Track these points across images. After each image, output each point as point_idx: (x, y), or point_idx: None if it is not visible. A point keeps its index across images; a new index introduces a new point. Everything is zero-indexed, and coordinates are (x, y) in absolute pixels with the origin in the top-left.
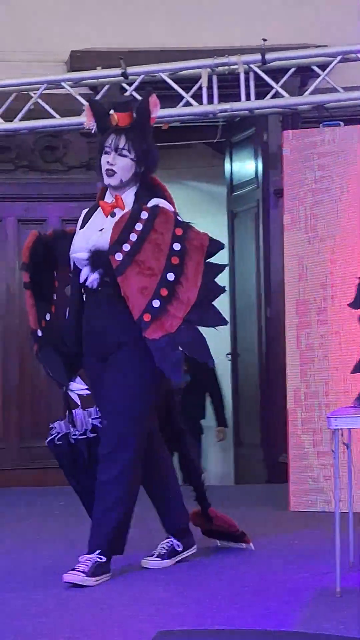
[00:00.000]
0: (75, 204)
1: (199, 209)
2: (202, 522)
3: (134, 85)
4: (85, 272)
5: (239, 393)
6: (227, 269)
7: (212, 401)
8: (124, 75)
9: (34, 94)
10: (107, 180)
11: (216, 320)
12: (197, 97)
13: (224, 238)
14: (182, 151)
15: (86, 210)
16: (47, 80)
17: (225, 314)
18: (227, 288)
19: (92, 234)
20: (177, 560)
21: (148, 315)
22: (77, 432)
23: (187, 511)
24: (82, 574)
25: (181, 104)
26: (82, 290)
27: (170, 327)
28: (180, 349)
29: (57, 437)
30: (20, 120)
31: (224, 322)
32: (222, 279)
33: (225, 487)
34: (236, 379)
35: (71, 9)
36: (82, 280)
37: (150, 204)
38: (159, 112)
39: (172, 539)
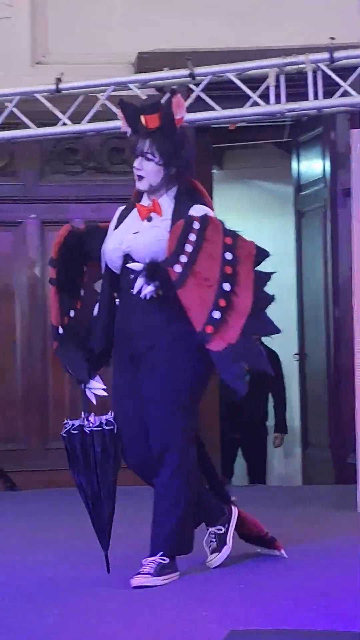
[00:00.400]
0: None
1: (266, 209)
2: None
3: (201, 86)
4: (139, 283)
5: (306, 393)
6: (294, 269)
7: (274, 404)
8: (191, 76)
9: (101, 96)
10: (137, 185)
11: (270, 329)
12: (265, 96)
13: (290, 238)
14: (249, 151)
15: (122, 208)
16: (115, 82)
17: (293, 314)
18: (294, 288)
19: (127, 236)
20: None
21: (210, 327)
22: (92, 424)
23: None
24: (148, 575)
25: (248, 103)
26: (114, 288)
27: (231, 338)
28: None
29: (72, 427)
30: (88, 122)
31: (277, 331)
32: (290, 278)
33: (292, 488)
34: (304, 380)
35: (138, 11)
36: (135, 291)
37: (192, 210)
38: (185, 112)
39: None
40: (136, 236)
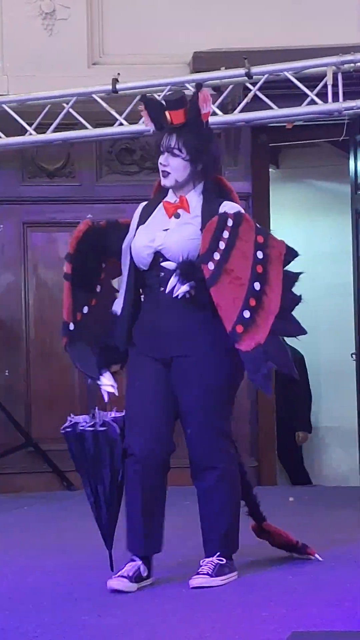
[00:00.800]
0: None
1: (323, 208)
2: (265, 536)
3: (258, 85)
4: (173, 281)
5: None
6: (351, 267)
7: (299, 403)
8: (248, 75)
9: (158, 95)
10: (162, 182)
11: (297, 329)
12: (322, 95)
13: (347, 237)
14: (306, 150)
15: (144, 204)
16: (171, 82)
17: (349, 313)
18: (351, 286)
19: (157, 233)
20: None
21: (240, 327)
22: (85, 424)
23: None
24: (207, 576)
25: (306, 102)
26: (140, 285)
27: (260, 338)
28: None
29: (67, 425)
30: (144, 122)
31: (304, 332)
32: (347, 277)
33: (351, 488)
34: None
35: (193, 11)
36: (168, 290)
37: (223, 207)
38: (211, 107)
39: None
40: (168, 233)
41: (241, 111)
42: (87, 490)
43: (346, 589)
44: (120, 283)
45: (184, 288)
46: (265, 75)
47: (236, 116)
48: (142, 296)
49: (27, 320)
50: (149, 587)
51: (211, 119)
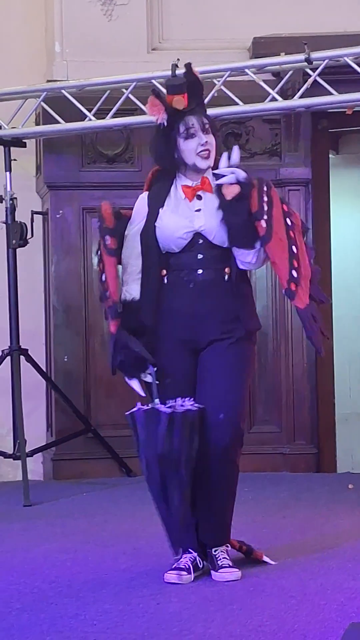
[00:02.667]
0: None
1: None
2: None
3: (318, 71)
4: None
5: None
6: None
7: None
8: (308, 60)
9: (218, 81)
10: (204, 164)
11: (324, 298)
12: None
13: None
14: None
15: (146, 195)
16: (231, 68)
17: None
18: None
19: (190, 215)
20: None
21: (294, 285)
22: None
23: None
24: (234, 569)
25: None
26: (164, 268)
27: (307, 299)
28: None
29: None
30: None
31: (328, 301)
32: None
33: None
34: None
35: None
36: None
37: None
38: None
39: None
40: (205, 215)
41: (301, 97)
42: (153, 478)
43: None
44: (124, 270)
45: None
46: (325, 61)
47: (296, 102)
48: (166, 279)
49: (86, 306)
50: (204, 576)
51: (271, 105)
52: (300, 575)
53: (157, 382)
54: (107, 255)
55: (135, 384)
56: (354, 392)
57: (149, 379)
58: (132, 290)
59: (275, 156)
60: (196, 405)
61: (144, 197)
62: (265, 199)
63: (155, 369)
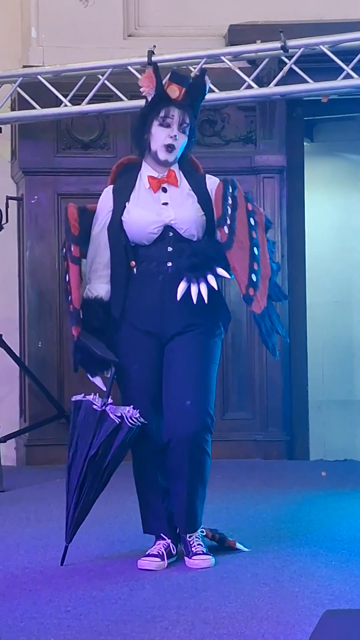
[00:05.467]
0: (234, 177)
1: (358, 182)
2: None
3: (293, 59)
4: (183, 287)
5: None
6: None
7: None
8: (284, 48)
9: (193, 68)
10: (164, 156)
11: (282, 295)
12: (358, 69)
13: None
14: (342, 124)
15: (111, 188)
16: (207, 55)
17: None
18: None
19: (157, 207)
20: None
21: (252, 290)
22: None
23: None
24: (208, 555)
25: (341, 76)
26: (130, 260)
27: (264, 302)
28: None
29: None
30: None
31: (286, 297)
32: None
33: None
34: None
35: None
36: (179, 297)
37: (208, 179)
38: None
39: None
40: (174, 207)
41: (276, 84)
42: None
43: None
44: (89, 269)
45: (204, 290)
46: (301, 49)
47: (271, 89)
48: (135, 270)
49: (60, 291)
50: (178, 563)
51: (247, 92)
52: (274, 563)
53: (114, 378)
54: (71, 262)
55: (97, 381)
56: (327, 379)
57: (108, 377)
58: (96, 288)
59: (250, 143)
60: (141, 420)
61: (108, 191)
62: (230, 201)
63: (114, 369)
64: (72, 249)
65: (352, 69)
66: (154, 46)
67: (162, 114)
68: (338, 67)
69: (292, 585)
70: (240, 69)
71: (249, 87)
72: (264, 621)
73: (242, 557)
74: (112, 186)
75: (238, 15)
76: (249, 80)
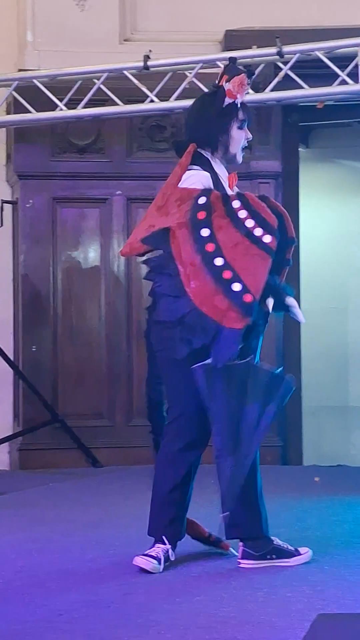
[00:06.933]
0: None
1: (353, 188)
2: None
3: (289, 64)
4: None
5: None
6: None
7: None
8: (280, 54)
9: (190, 73)
10: (240, 158)
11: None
12: (353, 75)
13: None
14: (337, 130)
15: (209, 175)
16: (203, 60)
17: None
18: None
19: None
20: None
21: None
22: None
23: None
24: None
25: (337, 82)
26: None
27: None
28: None
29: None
30: (176, 99)
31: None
32: None
33: None
34: None
35: None
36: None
37: None
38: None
39: None
40: None
41: (272, 90)
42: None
43: None
44: None
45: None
46: (297, 55)
47: (267, 95)
48: None
49: (55, 296)
50: (173, 566)
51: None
52: (267, 568)
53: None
54: (269, 254)
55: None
56: (322, 385)
57: None
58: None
59: (246, 148)
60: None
61: (208, 176)
62: None
63: None
64: (272, 241)
65: (347, 75)
66: (150, 51)
67: (241, 116)
68: (334, 73)
69: (285, 590)
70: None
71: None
72: (257, 626)
73: (235, 561)
74: (208, 174)
75: (234, 20)
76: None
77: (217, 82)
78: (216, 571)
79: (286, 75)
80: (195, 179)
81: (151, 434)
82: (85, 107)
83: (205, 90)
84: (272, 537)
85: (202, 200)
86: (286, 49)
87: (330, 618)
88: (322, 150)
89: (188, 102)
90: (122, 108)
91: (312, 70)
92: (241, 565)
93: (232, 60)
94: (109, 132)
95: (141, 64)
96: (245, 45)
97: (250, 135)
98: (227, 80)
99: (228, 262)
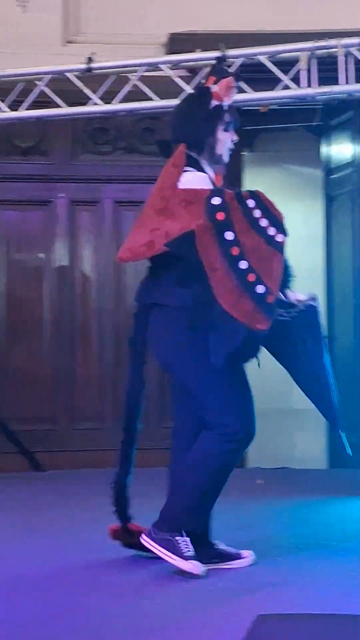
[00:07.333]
0: None
1: (296, 192)
2: (123, 537)
3: (233, 68)
4: None
5: (335, 375)
6: (323, 252)
7: None
8: (224, 58)
9: (133, 76)
10: (227, 159)
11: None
12: (296, 80)
13: (320, 221)
14: (281, 134)
15: (207, 177)
16: (146, 63)
17: (321, 297)
18: (323, 270)
19: None
20: None
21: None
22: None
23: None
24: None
25: (280, 86)
26: None
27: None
28: None
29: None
30: (119, 102)
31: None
32: (319, 261)
33: (318, 471)
34: (333, 361)
35: None
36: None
37: None
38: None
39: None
40: None
41: None
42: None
43: (310, 571)
44: None
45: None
46: (241, 59)
47: None
48: None
49: (6, 302)
50: (118, 570)
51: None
52: (209, 570)
53: None
54: (281, 252)
55: None
56: (266, 388)
57: None
58: None
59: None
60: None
61: (207, 177)
62: None
63: None
64: (283, 239)
65: (290, 80)
66: (94, 53)
67: (227, 118)
68: (277, 77)
69: (227, 592)
70: (180, 77)
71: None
72: (197, 628)
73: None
74: (206, 174)
75: (178, 24)
76: (188, 89)
77: (203, 82)
78: (159, 575)
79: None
80: (199, 180)
81: (123, 444)
82: (28, 109)
83: (149, 93)
84: (215, 541)
85: (216, 200)
86: (230, 52)
87: (270, 619)
88: (266, 154)
89: (131, 105)
90: (65, 110)
91: (256, 75)
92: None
93: (220, 60)
94: (51, 134)
95: (84, 66)
96: (189, 49)
97: (236, 138)
98: (215, 82)
99: (251, 265)
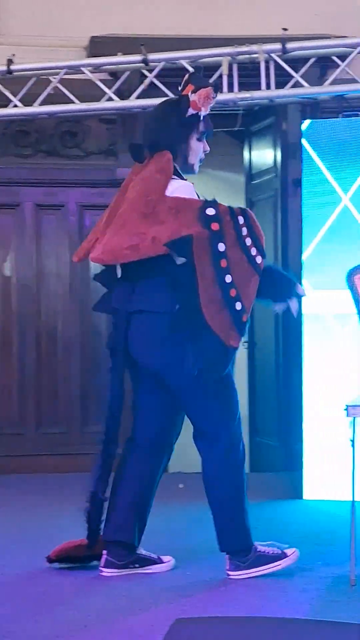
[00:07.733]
0: (94, 190)
1: (219, 197)
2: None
3: (154, 72)
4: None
5: (255, 381)
6: None
7: None
8: (145, 61)
9: (54, 78)
10: (197, 168)
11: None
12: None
13: None
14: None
15: (192, 186)
16: (67, 65)
17: None
18: None
19: None
20: None
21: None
22: None
23: None
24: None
25: None
26: None
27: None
28: None
29: None
30: (40, 104)
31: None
32: None
33: None
34: (253, 367)
35: None
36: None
37: None
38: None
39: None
40: None
41: (137, 97)
42: None
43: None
44: None
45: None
46: (162, 63)
47: (132, 102)
48: None
49: None
50: (36, 578)
51: (108, 104)
52: (129, 575)
53: None
54: (259, 274)
55: None
56: None
57: None
58: None
59: (112, 156)
60: None
61: (193, 187)
62: None
63: None
64: (262, 262)
65: None
66: (13, 55)
67: (201, 127)
68: None
69: (147, 597)
70: (101, 80)
71: (110, 99)
72: (116, 633)
73: (94, 570)
74: (191, 183)
75: (100, 27)
76: (109, 93)
77: (180, 90)
78: (79, 580)
79: (151, 82)
80: (187, 189)
81: (102, 454)
82: None
83: (70, 96)
84: (136, 546)
85: (210, 211)
86: (151, 56)
87: (187, 622)
88: None
89: (52, 108)
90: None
91: (177, 79)
92: (103, 574)
93: (198, 69)
94: None
95: (4, 67)
96: (110, 52)
97: (208, 148)
98: (193, 91)
99: (234, 280)
